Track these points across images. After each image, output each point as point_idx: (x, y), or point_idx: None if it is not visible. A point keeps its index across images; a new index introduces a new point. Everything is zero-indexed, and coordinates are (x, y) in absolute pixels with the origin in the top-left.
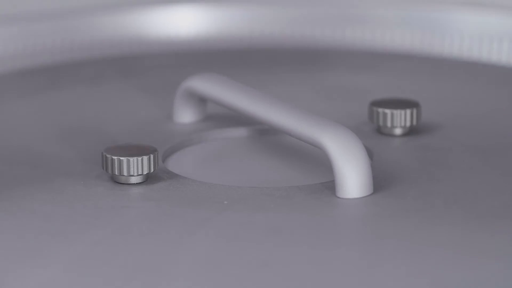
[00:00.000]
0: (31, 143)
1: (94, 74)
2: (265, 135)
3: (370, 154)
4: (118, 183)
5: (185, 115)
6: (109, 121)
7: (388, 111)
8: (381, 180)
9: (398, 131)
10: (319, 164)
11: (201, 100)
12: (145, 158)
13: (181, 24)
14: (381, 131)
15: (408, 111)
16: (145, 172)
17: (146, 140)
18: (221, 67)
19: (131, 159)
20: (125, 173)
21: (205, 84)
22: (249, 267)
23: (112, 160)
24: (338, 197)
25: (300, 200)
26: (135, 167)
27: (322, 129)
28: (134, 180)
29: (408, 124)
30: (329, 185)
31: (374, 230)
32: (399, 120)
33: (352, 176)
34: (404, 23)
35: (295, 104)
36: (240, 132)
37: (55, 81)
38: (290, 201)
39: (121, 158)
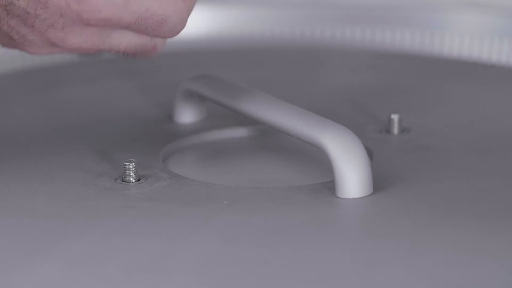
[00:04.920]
0: (31, 143)
1: (94, 74)
2: (265, 135)
3: (370, 154)
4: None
5: (185, 115)
6: (109, 121)
7: None
8: (381, 180)
9: None
10: (319, 164)
11: (201, 100)
12: None
13: None
14: None
15: None
16: None
17: (146, 140)
18: (221, 67)
19: None
20: None
21: (205, 85)
22: (249, 266)
23: None
24: (338, 197)
25: (300, 200)
26: None
27: (322, 129)
28: None
29: None
30: (329, 185)
31: (374, 230)
32: None
33: (352, 176)
34: (404, 23)
35: (295, 104)
36: (240, 132)
37: (55, 81)
38: (290, 201)
39: None
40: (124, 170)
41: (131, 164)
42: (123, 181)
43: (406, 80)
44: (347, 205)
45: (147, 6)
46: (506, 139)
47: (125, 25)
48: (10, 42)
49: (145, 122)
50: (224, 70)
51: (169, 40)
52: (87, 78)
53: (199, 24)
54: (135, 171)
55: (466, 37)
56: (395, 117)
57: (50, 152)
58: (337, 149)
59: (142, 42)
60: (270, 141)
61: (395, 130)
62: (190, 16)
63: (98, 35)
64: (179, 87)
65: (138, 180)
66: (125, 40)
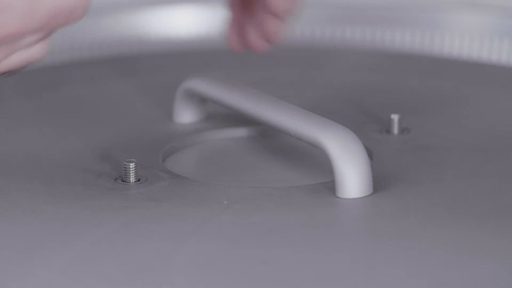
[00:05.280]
0: (31, 143)
1: (94, 74)
2: (265, 135)
3: (370, 154)
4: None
5: (185, 115)
6: (109, 121)
7: None
8: (381, 180)
9: None
10: (319, 164)
11: (201, 100)
12: None
13: (181, 24)
14: None
15: None
16: None
17: (146, 140)
18: (221, 67)
19: None
20: None
21: (205, 85)
22: (249, 266)
23: None
24: (338, 197)
25: (300, 200)
26: None
27: (322, 129)
28: None
29: None
30: (329, 185)
31: (374, 230)
32: None
33: (352, 176)
34: (404, 23)
35: (295, 104)
36: (240, 132)
37: (55, 81)
38: (290, 201)
39: None
40: (124, 170)
41: (131, 164)
42: (123, 181)
43: (406, 80)
44: (347, 205)
45: (53, 5)
46: (506, 139)
47: (35, 31)
48: None
49: (145, 122)
50: (224, 70)
51: (169, 40)
52: (87, 78)
53: (199, 24)
54: (135, 171)
55: (466, 37)
56: (395, 117)
57: (50, 152)
58: (337, 149)
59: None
60: (270, 141)
61: (395, 130)
62: (190, 16)
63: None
64: (179, 87)
65: (138, 180)
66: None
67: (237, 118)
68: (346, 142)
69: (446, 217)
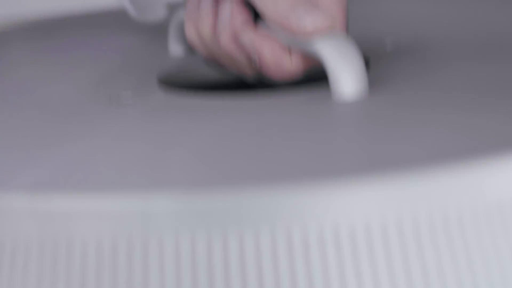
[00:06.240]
0: (28, 75)
1: (95, 25)
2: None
3: (365, 61)
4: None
5: (180, 47)
6: (104, 56)
7: None
8: (376, 87)
9: None
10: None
11: None
12: None
13: None
14: None
15: None
16: None
17: (141, 68)
18: None
19: None
20: None
21: None
22: (245, 151)
23: None
24: (334, 99)
25: (297, 104)
26: None
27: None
28: None
29: None
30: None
31: (372, 116)
32: None
33: (346, 72)
34: None
35: None
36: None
37: (52, 33)
38: (286, 104)
39: None
40: (118, 96)
41: (126, 92)
42: (117, 105)
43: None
44: (343, 106)
45: None
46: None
47: None
48: None
49: (141, 55)
50: None
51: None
52: (86, 29)
53: None
54: (130, 96)
55: None
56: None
57: (46, 83)
58: (331, 50)
59: None
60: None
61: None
62: None
63: None
64: (172, 18)
65: (132, 104)
66: None
67: None
68: (340, 43)
69: (445, 101)
